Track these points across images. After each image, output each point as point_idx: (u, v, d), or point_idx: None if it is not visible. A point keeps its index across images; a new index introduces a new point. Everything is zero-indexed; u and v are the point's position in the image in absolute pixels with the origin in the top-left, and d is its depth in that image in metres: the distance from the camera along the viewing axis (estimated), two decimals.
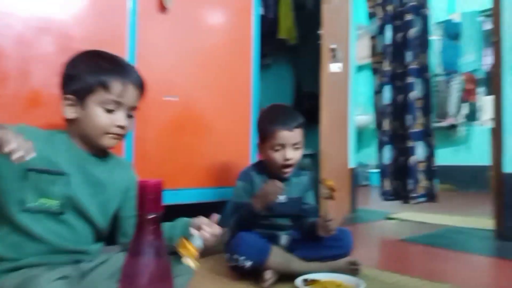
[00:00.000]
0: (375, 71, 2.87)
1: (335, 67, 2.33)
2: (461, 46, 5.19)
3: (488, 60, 5.08)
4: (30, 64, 1.31)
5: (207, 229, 0.95)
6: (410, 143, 2.53)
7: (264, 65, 3.19)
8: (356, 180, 3.23)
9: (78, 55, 1.04)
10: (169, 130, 1.67)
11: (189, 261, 0.86)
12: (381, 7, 2.81)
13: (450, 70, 5.27)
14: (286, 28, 3.29)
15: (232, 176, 1.82)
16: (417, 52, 2.59)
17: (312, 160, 2.58)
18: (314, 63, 3.11)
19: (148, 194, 0.69)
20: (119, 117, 1.00)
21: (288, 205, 1.47)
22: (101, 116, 0.99)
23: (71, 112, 1.00)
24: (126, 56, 1.53)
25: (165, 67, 1.67)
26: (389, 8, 2.76)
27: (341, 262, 1.40)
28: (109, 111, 0.99)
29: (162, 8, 1.64)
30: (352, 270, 1.38)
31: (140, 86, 1.06)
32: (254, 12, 2.02)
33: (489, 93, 4.90)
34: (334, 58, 2.32)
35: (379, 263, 1.69)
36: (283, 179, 1.48)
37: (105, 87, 0.98)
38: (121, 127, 1.01)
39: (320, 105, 2.22)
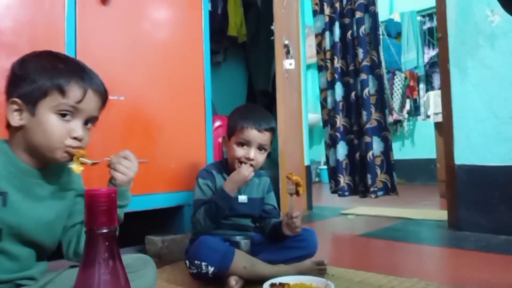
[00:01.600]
0: (321, 68, 2.87)
1: (288, 63, 2.29)
2: (402, 45, 5.40)
3: (427, 58, 5.34)
4: None
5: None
6: (367, 139, 2.54)
7: (216, 63, 3.11)
8: (310, 177, 3.22)
9: (29, 54, 0.89)
10: (116, 132, 1.54)
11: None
12: (328, 5, 2.82)
13: (393, 68, 5.47)
14: (235, 25, 3.22)
15: (188, 178, 1.72)
16: (367, 49, 2.61)
17: (269, 158, 2.53)
18: (265, 60, 3.09)
19: (99, 205, 0.58)
20: (75, 127, 0.86)
21: (249, 205, 1.40)
22: (54, 124, 0.84)
23: (17, 119, 0.84)
24: (65, 51, 1.38)
25: (109, 64, 1.53)
26: (337, 5, 2.78)
27: (307, 263, 1.34)
28: (64, 117, 0.84)
29: None
30: (319, 270, 1.33)
31: (103, 94, 0.92)
32: (202, 7, 1.93)
33: (428, 89, 5.15)
34: (288, 55, 2.28)
35: (343, 260, 1.66)
36: None
37: (61, 90, 0.83)
38: (78, 138, 0.86)
39: (277, 103, 2.17)
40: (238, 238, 1.36)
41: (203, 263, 1.20)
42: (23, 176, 0.86)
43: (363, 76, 2.58)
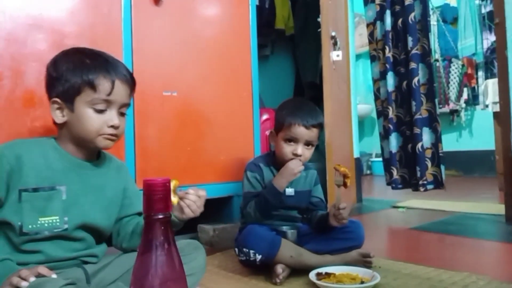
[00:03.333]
0: (374, 58, 2.81)
1: (335, 55, 2.28)
2: (459, 31, 5.14)
3: (487, 43, 5.04)
4: (23, 63, 1.25)
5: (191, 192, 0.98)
6: (417, 130, 2.47)
7: (263, 56, 3.15)
8: (360, 169, 3.19)
9: (59, 54, 0.97)
10: (170, 126, 1.63)
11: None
12: None
13: (449, 55, 5.21)
14: (283, 18, 3.24)
15: (237, 170, 1.78)
16: (418, 37, 2.53)
17: (316, 151, 2.54)
18: (313, 52, 3.08)
19: (155, 193, 0.64)
20: (111, 117, 0.95)
21: (296, 197, 1.43)
22: (92, 117, 0.93)
23: (60, 116, 0.94)
24: (122, 51, 1.48)
25: (163, 61, 1.62)
26: None
27: (354, 254, 1.35)
28: (100, 111, 0.94)
29: (157, 0, 1.59)
30: (365, 262, 1.34)
31: (130, 81, 0.99)
32: (250, 2, 1.97)
33: (488, 77, 4.86)
34: (335, 46, 2.27)
35: (391, 253, 1.65)
36: None
37: (92, 86, 0.92)
38: (114, 126, 0.95)
39: (324, 95, 2.17)
40: (285, 228, 1.40)
41: (251, 251, 1.25)
42: (77, 169, 0.96)
43: (413, 65, 2.50)
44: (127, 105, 1.00)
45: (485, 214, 2.36)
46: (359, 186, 3.04)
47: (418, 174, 2.47)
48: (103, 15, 1.45)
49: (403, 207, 2.74)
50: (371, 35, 2.84)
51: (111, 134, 0.95)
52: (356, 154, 2.93)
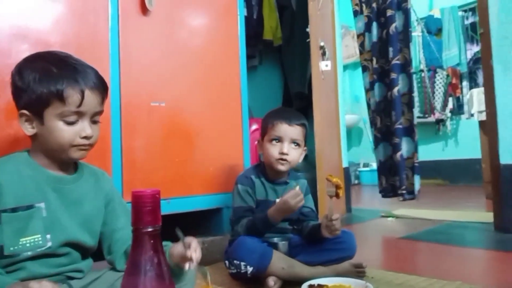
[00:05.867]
0: (365, 68, 2.84)
1: (324, 65, 2.29)
2: (443, 41, 5.23)
3: (470, 54, 5.14)
4: (6, 74, 1.22)
5: (193, 254, 0.83)
6: (396, 139, 2.49)
7: (251, 67, 3.15)
8: (348, 179, 3.19)
9: (23, 61, 0.92)
10: (157, 137, 1.60)
11: None
12: (366, 5, 2.79)
13: (434, 66, 5.30)
14: (271, 28, 3.25)
15: (226, 181, 1.76)
16: (399, 47, 2.56)
17: (306, 161, 2.54)
18: (300, 63, 3.09)
19: (144, 206, 0.62)
20: (83, 127, 0.90)
21: None
22: (63, 129, 0.89)
23: (30, 128, 0.90)
24: (109, 62, 1.46)
25: (150, 72, 1.60)
26: (374, 5, 2.74)
27: (346, 265, 1.34)
28: (71, 123, 0.89)
29: (144, 9, 1.57)
30: (358, 272, 1.33)
31: (101, 88, 0.93)
32: (238, 13, 1.97)
33: (472, 86, 4.95)
34: (323, 56, 2.28)
35: (383, 263, 1.64)
36: (281, 183, 1.43)
37: (60, 98, 0.86)
38: (87, 137, 0.91)
39: (313, 105, 2.18)
40: (276, 239, 1.38)
41: (242, 263, 1.22)
42: (53, 183, 0.92)
43: (393, 75, 2.52)
44: (99, 112, 0.95)
45: (473, 222, 2.37)
46: (348, 196, 3.03)
47: (398, 183, 2.48)
48: (89, 25, 1.42)
49: (392, 216, 2.74)
50: (361, 45, 2.87)
51: (84, 145, 0.92)
52: (345, 164, 2.94)
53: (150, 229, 0.61)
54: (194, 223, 1.85)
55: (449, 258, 1.69)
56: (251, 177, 1.42)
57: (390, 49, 2.56)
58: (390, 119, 2.60)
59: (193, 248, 0.83)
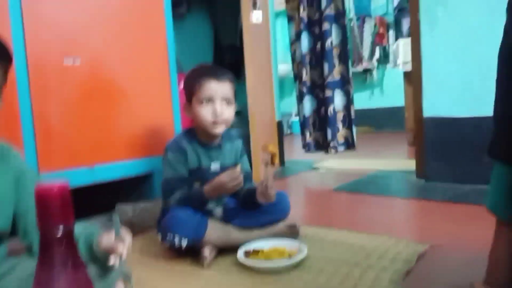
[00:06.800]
0: (291, 18, 2.77)
1: (255, 17, 2.18)
2: None
3: (396, 2, 5.24)
4: None
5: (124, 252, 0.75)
6: (329, 93, 2.51)
7: (178, 15, 2.93)
8: (281, 132, 3.20)
9: None
10: (74, 99, 1.44)
11: None
12: None
13: (363, 14, 5.36)
14: None
15: (156, 144, 1.66)
16: None
17: (239, 116, 2.48)
18: (231, 12, 2.93)
19: (51, 203, 0.53)
20: None
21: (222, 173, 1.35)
22: None
23: None
24: (9, 16, 1.25)
25: (59, 25, 1.40)
26: None
27: (281, 226, 1.35)
28: None
29: None
30: (292, 233, 1.34)
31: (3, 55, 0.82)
32: None
33: (398, 36, 5.10)
34: (255, 6, 2.17)
35: (316, 218, 1.68)
36: (215, 146, 1.36)
37: None
38: None
39: (245, 60, 2.09)
40: (211, 206, 1.34)
41: (176, 236, 1.17)
42: None
43: (326, 26, 2.49)
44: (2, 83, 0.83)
45: (397, 171, 2.52)
46: (282, 150, 3.06)
47: (330, 136, 2.54)
48: None
49: (323, 168, 2.83)
50: None
51: None
52: (278, 118, 2.93)
53: (60, 230, 0.53)
54: (123, 188, 1.75)
55: (377, 210, 1.78)
56: (182, 143, 1.33)
57: None
58: (318, 72, 2.59)
59: (126, 244, 0.75)
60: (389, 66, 5.30)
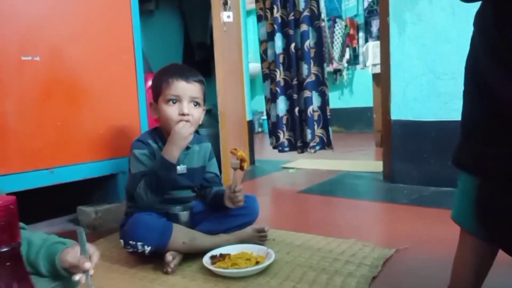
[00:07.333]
0: (261, 18, 2.75)
1: (226, 16, 2.15)
2: None
3: (367, 3, 5.31)
4: None
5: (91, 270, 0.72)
6: (307, 93, 2.52)
7: (146, 12, 2.86)
8: (252, 132, 3.19)
9: None
10: (33, 97, 1.37)
11: None
12: None
13: (334, 15, 5.41)
14: None
15: (120, 145, 1.61)
16: None
17: (209, 115, 2.45)
18: (201, 9, 2.88)
19: None
20: None
21: (189, 176, 1.31)
22: None
23: None
24: None
25: (17, 19, 1.33)
26: None
27: (248, 230, 1.32)
28: None
29: None
30: (260, 237, 1.32)
31: None
32: None
33: (368, 38, 5.18)
34: (225, 6, 2.13)
35: (284, 221, 1.67)
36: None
37: None
38: None
39: (215, 59, 2.05)
40: (176, 210, 1.30)
41: (139, 243, 1.13)
42: None
43: (304, 27, 2.50)
44: None
45: (365, 172, 2.55)
46: (252, 149, 3.05)
47: (309, 136, 2.55)
48: None
49: (292, 168, 2.83)
50: None
51: None
52: (248, 117, 2.91)
53: (5, 249, 0.49)
54: (85, 191, 1.68)
55: (344, 212, 1.79)
56: (148, 141, 1.28)
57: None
58: (291, 72, 2.59)
59: (94, 261, 0.72)
60: (359, 67, 5.38)
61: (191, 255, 1.22)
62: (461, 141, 0.83)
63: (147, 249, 1.13)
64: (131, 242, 1.14)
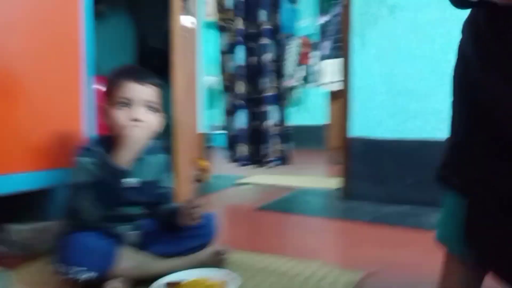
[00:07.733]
0: (223, 28, 2.67)
1: (187, 20, 2.03)
2: (299, 10, 5.39)
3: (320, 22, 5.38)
4: None
5: None
6: (266, 107, 2.45)
7: (98, 13, 2.66)
8: (208, 144, 3.06)
9: None
10: None
11: None
12: None
13: (289, 33, 5.45)
14: None
15: (59, 154, 1.41)
16: (270, 11, 2.47)
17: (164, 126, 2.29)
18: (159, 14, 2.73)
19: None
20: None
21: (141, 190, 1.15)
22: None
23: None
24: None
25: None
26: None
27: (206, 253, 1.18)
28: None
29: None
30: (219, 261, 1.18)
31: None
32: None
33: (322, 57, 5.25)
34: (185, 10, 2.01)
35: (241, 242, 1.55)
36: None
37: None
38: None
39: (172, 65, 1.91)
40: (123, 229, 1.14)
41: (76, 268, 0.95)
42: None
43: (265, 40, 2.44)
44: None
45: (322, 189, 2.50)
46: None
47: (266, 151, 2.48)
48: None
49: (248, 184, 2.73)
50: (219, 3, 2.68)
51: None
52: (202, 129, 2.77)
53: None
54: (15, 207, 1.46)
55: (303, 231, 1.70)
56: (96, 150, 1.12)
57: (262, 12, 2.44)
58: (252, 86, 2.52)
59: None
60: (311, 85, 5.43)
61: (142, 282, 1.06)
62: (451, 157, 0.77)
63: (85, 275, 0.96)
64: (65, 267, 0.96)
